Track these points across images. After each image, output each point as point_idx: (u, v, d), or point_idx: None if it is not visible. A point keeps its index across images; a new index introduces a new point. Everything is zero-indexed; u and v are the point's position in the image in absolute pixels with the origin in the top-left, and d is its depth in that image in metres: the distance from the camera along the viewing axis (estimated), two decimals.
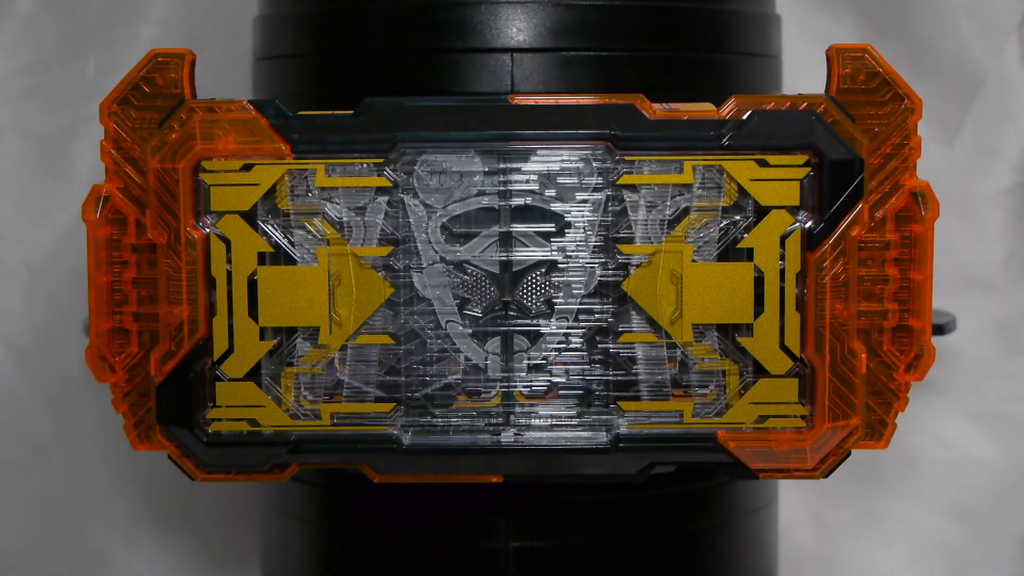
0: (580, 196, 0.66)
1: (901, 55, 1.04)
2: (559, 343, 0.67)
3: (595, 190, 0.66)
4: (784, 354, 0.66)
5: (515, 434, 0.67)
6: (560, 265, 0.67)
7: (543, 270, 0.67)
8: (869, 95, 0.65)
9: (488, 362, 0.67)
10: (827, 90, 0.65)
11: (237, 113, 0.65)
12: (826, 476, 0.67)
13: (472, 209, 0.66)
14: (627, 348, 0.67)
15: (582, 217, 0.66)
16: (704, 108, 0.65)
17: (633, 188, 0.66)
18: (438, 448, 0.67)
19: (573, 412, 0.67)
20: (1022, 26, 1.04)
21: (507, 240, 0.66)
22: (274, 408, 0.67)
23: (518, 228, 0.66)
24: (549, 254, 0.67)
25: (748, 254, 0.65)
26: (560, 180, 0.66)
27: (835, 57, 0.65)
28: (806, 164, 0.65)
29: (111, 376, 0.66)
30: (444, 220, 0.66)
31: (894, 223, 0.66)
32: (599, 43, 0.72)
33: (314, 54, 0.76)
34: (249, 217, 0.66)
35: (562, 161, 0.66)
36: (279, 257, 0.66)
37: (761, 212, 0.65)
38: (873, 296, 0.66)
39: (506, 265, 0.67)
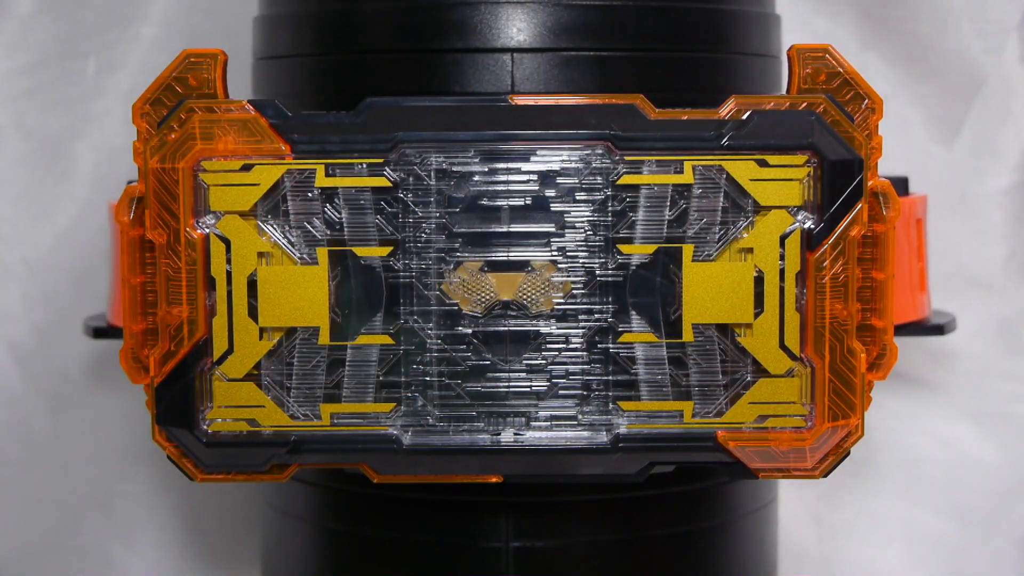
0: (580, 196, 0.66)
1: (901, 55, 1.05)
2: (559, 343, 0.67)
3: (595, 190, 0.66)
4: (784, 354, 0.66)
5: (515, 434, 0.67)
6: (560, 265, 0.67)
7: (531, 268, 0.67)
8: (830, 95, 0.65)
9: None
10: (788, 90, 0.65)
11: (237, 113, 0.65)
12: (825, 476, 0.67)
13: (472, 209, 0.66)
14: (627, 348, 0.67)
15: (582, 217, 0.66)
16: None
17: (633, 188, 0.66)
18: (438, 448, 0.67)
19: (573, 412, 0.67)
20: (1022, 26, 1.04)
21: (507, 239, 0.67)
22: (274, 408, 0.67)
23: (518, 228, 0.67)
24: (549, 254, 0.67)
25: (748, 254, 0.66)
26: (560, 180, 0.66)
27: (796, 57, 0.65)
28: (806, 164, 0.65)
29: (144, 377, 0.66)
30: (444, 220, 0.66)
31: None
32: (599, 43, 0.72)
33: (314, 54, 0.76)
34: (249, 217, 0.66)
35: (562, 161, 0.66)
36: (279, 257, 0.66)
37: (761, 212, 0.65)
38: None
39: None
